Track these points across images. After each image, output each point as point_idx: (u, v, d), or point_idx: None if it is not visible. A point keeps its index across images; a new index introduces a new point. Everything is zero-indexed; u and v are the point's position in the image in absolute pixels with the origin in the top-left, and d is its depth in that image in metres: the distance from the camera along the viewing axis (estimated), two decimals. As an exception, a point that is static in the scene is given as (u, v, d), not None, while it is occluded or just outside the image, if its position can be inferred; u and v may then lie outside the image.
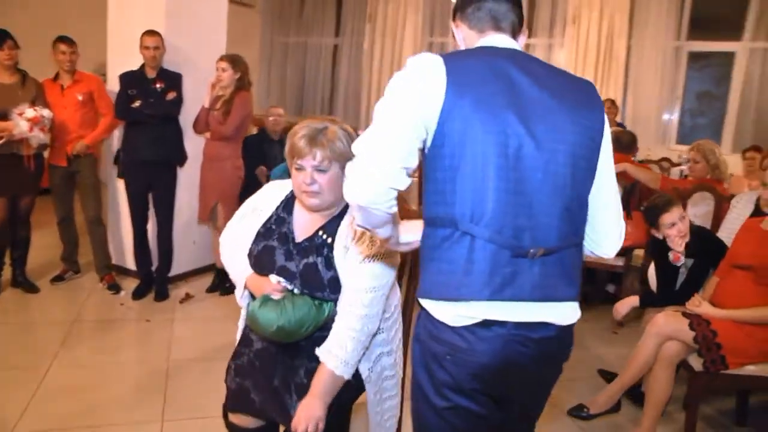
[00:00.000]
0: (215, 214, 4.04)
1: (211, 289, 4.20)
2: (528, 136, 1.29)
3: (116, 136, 4.24)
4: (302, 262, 1.75)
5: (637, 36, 7.10)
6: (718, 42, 7.04)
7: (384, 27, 8.02)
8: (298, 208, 1.82)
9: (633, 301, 2.94)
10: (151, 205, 4.02)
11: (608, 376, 3.11)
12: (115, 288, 4.06)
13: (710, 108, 7.32)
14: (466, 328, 1.32)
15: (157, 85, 3.83)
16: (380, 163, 1.24)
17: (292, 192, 1.83)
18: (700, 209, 3.76)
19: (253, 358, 1.88)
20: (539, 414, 1.55)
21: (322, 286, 1.73)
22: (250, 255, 1.84)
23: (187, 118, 4.00)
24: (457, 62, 1.33)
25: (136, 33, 3.82)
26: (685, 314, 2.61)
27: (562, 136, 1.33)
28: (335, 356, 1.67)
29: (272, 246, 1.80)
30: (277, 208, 1.86)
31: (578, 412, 2.80)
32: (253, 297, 1.84)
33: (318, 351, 1.70)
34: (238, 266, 1.88)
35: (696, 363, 2.56)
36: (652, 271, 3.11)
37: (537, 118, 1.32)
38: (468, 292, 1.30)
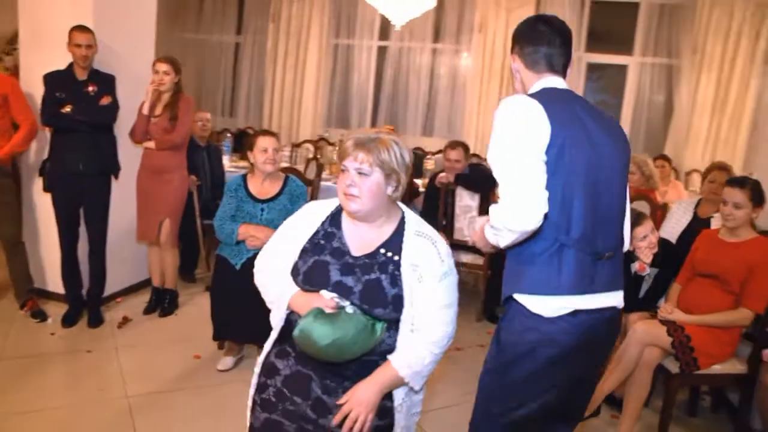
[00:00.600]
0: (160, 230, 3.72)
1: (148, 310, 3.88)
2: (600, 165, 1.70)
3: (34, 148, 3.77)
4: (364, 277, 1.73)
5: (543, 45, 7.47)
6: (613, 55, 7.62)
7: (288, 27, 7.80)
8: (347, 221, 1.82)
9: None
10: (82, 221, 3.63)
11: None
12: (40, 315, 3.62)
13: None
14: (559, 317, 1.67)
15: (90, 89, 3.46)
16: (533, 193, 1.56)
17: (338, 206, 1.84)
18: (638, 216, 4.04)
19: (281, 386, 1.78)
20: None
21: (384, 302, 1.71)
22: (295, 272, 1.80)
23: (119, 124, 3.65)
24: (549, 106, 1.64)
25: (56, 27, 3.45)
26: (661, 321, 2.79)
27: (616, 163, 1.76)
28: (409, 367, 1.70)
29: (325, 261, 1.77)
30: (323, 223, 1.84)
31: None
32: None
33: (393, 360, 1.70)
34: (279, 287, 1.81)
35: (672, 366, 2.75)
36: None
37: (601, 148, 1.71)
38: (563, 290, 1.67)
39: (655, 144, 7.26)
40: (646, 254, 3.00)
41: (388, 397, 1.75)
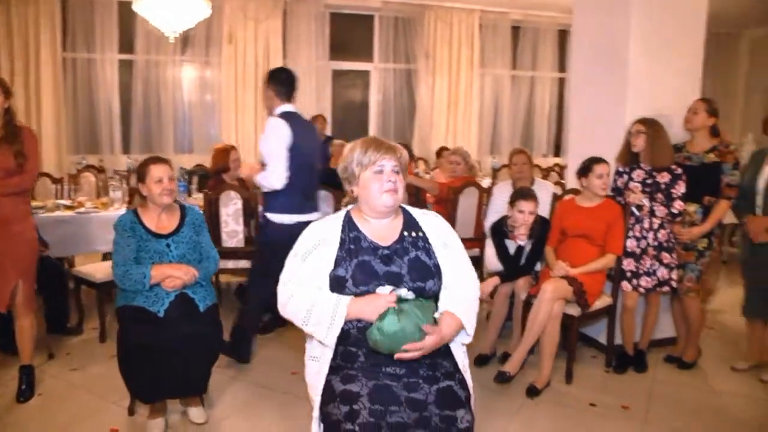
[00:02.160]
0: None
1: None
2: (310, 152, 3.53)
3: None
4: (405, 258, 1.95)
5: (292, 56, 7.77)
6: (355, 62, 8.33)
7: (11, 40, 6.58)
8: (361, 222, 2.02)
9: (495, 281, 3.64)
10: None
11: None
12: None
13: (355, 116, 8.58)
14: (293, 224, 3.41)
15: None
16: (282, 170, 3.37)
17: (345, 214, 2.05)
18: (468, 199, 4.66)
19: (369, 403, 1.79)
20: None
21: (431, 273, 1.96)
22: (339, 281, 1.91)
23: None
24: (290, 121, 3.30)
25: None
26: (561, 278, 3.37)
27: (314, 149, 3.62)
28: (465, 314, 1.96)
29: (364, 260, 1.93)
30: (343, 231, 1.99)
31: (502, 377, 3.29)
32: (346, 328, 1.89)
33: (454, 312, 1.93)
34: (327, 303, 1.87)
35: (573, 311, 3.36)
36: (490, 253, 3.82)
37: (310, 142, 3.54)
38: (294, 210, 3.45)
39: (404, 138, 8.20)
40: (521, 226, 3.56)
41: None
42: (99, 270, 3.89)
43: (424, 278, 1.94)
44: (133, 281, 2.70)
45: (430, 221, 2.09)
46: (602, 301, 3.51)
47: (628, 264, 3.48)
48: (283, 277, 2.00)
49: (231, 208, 4.20)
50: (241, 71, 7.49)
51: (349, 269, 1.91)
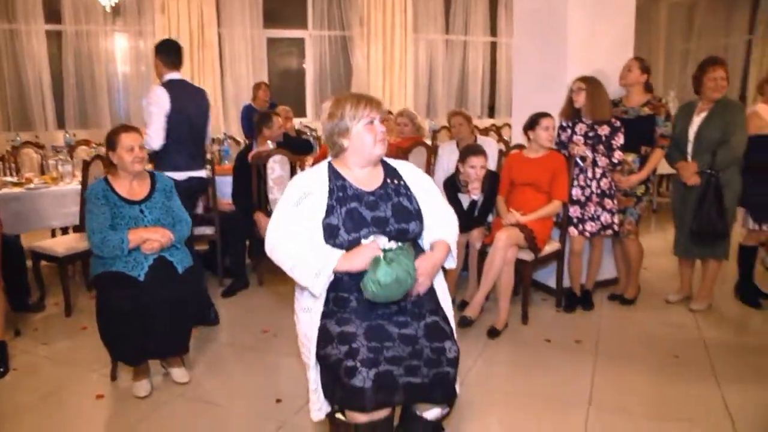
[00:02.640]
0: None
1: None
2: (198, 112, 3.96)
3: None
4: (389, 203, 2.11)
5: (226, 25, 7.66)
6: (290, 30, 8.29)
7: None
8: (345, 171, 2.15)
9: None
10: None
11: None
12: None
13: (291, 84, 8.57)
14: (185, 179, 3.87)
15: None
16: (161, 131, 3.80)
17: (328, 162, 2.17)
18: (417, 159, 4.83)
19: (366, 341, 1.93)
20: None
21: (413, 216, 2.12)
22: (332, 229, 2.03)
23: None
24: (171, 89, 3.70)
25: None
26: (512, 226, 3.61)
27: (202, 110, 4.01)
28: (451, 246, 2.18)
29: (353, 207, 2.07)
30: (330, 181, 2.11)
31: (464, 322, 3.53)
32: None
33: (444, 240, 2.16)
34: (316, 256, 1.99)
35: (526, 256, 3.62)
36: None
37: (196, 105, 3.97)
38: (182, 168, 3.85)
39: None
40: (474, 181, 3.77)
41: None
42: (60, 244, 3.84)
43: (408, 221, 2.10)
44: (112, 247, 2.74)
45: (408, 169, 2.26)
46: (551, 246, 3.79)
47: (574, 211, 3.77)
48: (273, 221, 2.09)
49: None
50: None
51: (340, 217, 2.04)
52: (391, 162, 2.27)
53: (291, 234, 2.04)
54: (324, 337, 2.01)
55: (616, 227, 3.77)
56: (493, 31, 9.36)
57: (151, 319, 2.70)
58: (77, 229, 4.21)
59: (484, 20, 9.24)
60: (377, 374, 1.87)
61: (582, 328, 3.58)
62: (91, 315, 3.66)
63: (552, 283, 4.06)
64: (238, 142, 6.24)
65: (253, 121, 4.52)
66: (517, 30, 4.46)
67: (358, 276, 2.00)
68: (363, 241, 2.02)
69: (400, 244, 2.06)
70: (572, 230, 3.80)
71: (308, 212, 2.05)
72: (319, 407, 2.09)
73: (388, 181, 2.17)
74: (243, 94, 7.66)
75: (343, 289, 2.05)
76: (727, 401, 2.71)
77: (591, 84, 3.70)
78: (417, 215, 2.14)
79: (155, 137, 3.68)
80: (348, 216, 2.05)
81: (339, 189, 2.10)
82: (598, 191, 3.74)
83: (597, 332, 3.53)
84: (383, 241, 2.02)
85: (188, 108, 3.83)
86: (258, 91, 6.44)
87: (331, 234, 2.04)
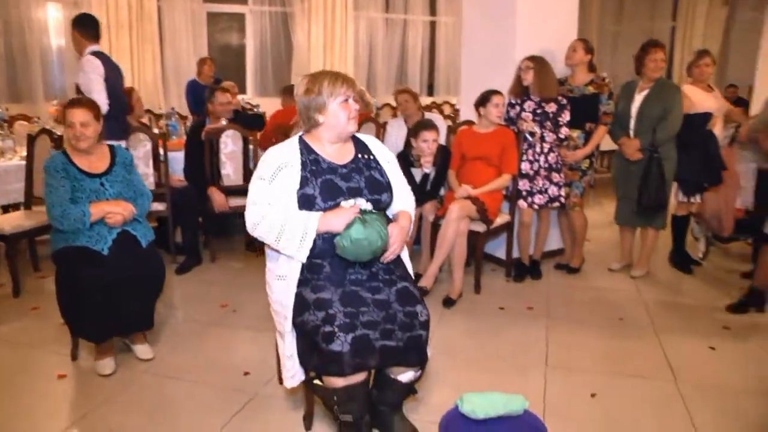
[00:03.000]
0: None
1: None
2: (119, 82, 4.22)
3: None
4: (362, 176, 2.21)
5: (165, -3, 7.41)
6: (230, 4, 8.11)
7: None
8: (316, 145, 2.22)
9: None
10: None
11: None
12: None
13: (232, 60, 8.41)
14: None
15: None
16: (103, 91, 3.99)
17: (299, 137, 2.23)
18: (366, 134, 4.88)
19: (342, 307, 2.01)
20: None
21: (384, 188, 2.24)
22: (308, 199, 2.11)
23: None
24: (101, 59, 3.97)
25: None
26: (465, 198, 3.74)
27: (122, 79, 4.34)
28: (411, 216, 2.33)
29: (328, 178, 2.16)
30: (302, 154, 2.18)
31: (420, 292, 3.63)
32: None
33: (408, 212, 2.31)
34: (297, 221, 2.07)
35: (479, 228, 3.76)
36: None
37: (118, 71, 4.31)
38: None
39: (283, 79, 8.22)
40: (427, 155, 3.88)
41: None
42: (6, 222, 3.68)
43: (380, 192, 2.21)
44: (73, 220, 2.67)
45: (375, 144, 2.37)
46: (502, 219, 3.95)
47: (523, 184, 3.94)
48: (252, 198, 2.14)
49: (141, 151, 4.11)
50: (113, 13, 7.02)
51: (316, 187, 2.12)
52: (361, 137, 2.35)
53: (270, 208, 2.10)
54: (300, 305, 2.07)
55: (563, 200, 3.97)
56: (433, 11, 9.45)
57: (116, 295, 2.65)
58: (22, 206, 4.04)
59: (424, 0, 9.33)
60: (354, 338, 1.94)
61: (532, 296, 3.78)
62: (41, 295, 3.62)
63: (501, 254, 4.24)
64: (184, 117, 6.09)
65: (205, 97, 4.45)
66: (466, 9, 4.56)
67: (330, 241, 2.09)
68: (343, 203, 2.12)
69: (374, 210, 2.16)
70: (521, 203, 3.97)
71: (283, 185, 2.12)
72: (293, 374, 2.16)
73: (359, 155, 2.26)
74: (183, 68, 7.46)
75: (316, 255, 2.11)
76: (666, 353, 2.98)
77: (539, 63, 3.86)
78: (388, 187, 2.25)
79: (103, 103, 3.72)
80: (324, 186, 2.13)
81: (312, 163, 2.17)
82: (546, 165, 3.92)
83: (547, 299, 3.73)
84: (362, 202, 2.15)
85: (112, 78, 4.02)
86: (203, 66, 6.30)
87: (306, 203, 2.11)
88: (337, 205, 2.12)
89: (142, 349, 2.93)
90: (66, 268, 2.70)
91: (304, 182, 2.12)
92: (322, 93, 2.13)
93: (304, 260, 2.09)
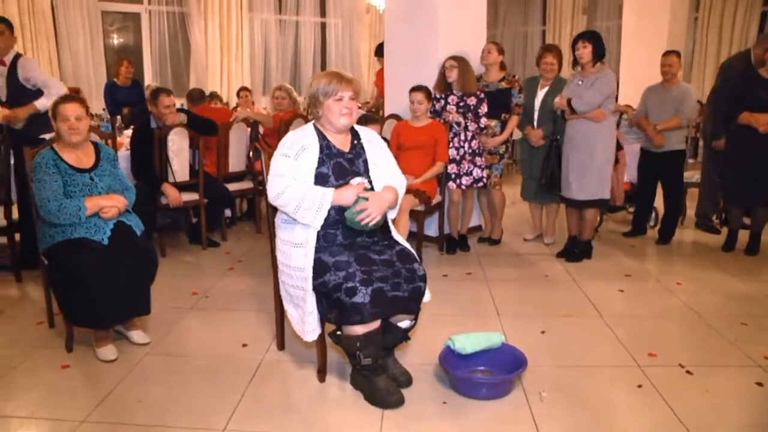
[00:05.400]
0: None
1: None
2: None
3: None
4: (359, 160, 2.62)
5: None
6: (125, 4, 7.99)
7: None
8: (327, 133, 2.59)
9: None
10: None
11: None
12: None
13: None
14: None
15: None
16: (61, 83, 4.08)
17: (312, 125, 2.61)
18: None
19: (358, 266, 2.39)
20: None
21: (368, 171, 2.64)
22: (324, 177, 2.50)
23: None
24: None
25: None
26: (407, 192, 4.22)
27: None
28: (399, 192, 2.65)
29: (338, 161, 2.56)
30: (319, 140, 2.56)
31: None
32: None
33: (395, 185, 2.62)
34: (315, 193, 2.44)
35: (418, 207, 4.28)
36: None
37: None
38: None
39: (181, 79, 8.29)
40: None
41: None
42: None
43: (368, 174, 2.62)
44: (69, 214, 2.80)
45: (368, 132, 2.75)
46: (435, 199, 4.51)
47: (451, 168, 4.52)
48: (278, 171, 2.47)
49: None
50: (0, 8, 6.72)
51: (330, 168, 2.52)
52: (357, 128, 2.72)
53: (294, 180, 2.45)
54: (319, 268, 2.43)
55: (485, 180, 4.60)
56: (323, 12, 9.88)
57: (117, 280, 2.80)
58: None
59: (314, 2, 9.73)
60: (373, 290, 2.36)
61: (468, 264, 4.37)
62: (4, 300, 3.57)
63: (432, 232, 4.79)
64: (99, 118, 6.00)
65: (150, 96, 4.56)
66: (388, 9, 5.06)
67: (341, 213, 2.49)
68: (351, 181, 2.50)
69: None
70: (451, 184, 4.55)
71: (304, 162, 2.48)
72: (312, 329, 2.51)
73: (355, 142, 2.66)
74: (81, 69, 7.27)
75: (330, 225, 2.50)
76: (589, 297, 3.69)
77: (462, 62, 4.45)
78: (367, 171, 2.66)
79: (64, 93, 3.81)
80: (335, 167, 2.54)
81: (326, 147, 2.56)
82: (470, 151, 4.52)
83: (480, 265, 4.34)
84: (366, 181, 2.55)
85: None
86: (120, 67, 6.22)
87: (321, 180, 2.49)
88: (347, 183, 2.51)
89: (138, 336, 3.08)
90: (68, 259, 2.80)
91: (320, 163, 2.50)
92: (318, 90, 2.51)
93: (319, 227, 2.45)
